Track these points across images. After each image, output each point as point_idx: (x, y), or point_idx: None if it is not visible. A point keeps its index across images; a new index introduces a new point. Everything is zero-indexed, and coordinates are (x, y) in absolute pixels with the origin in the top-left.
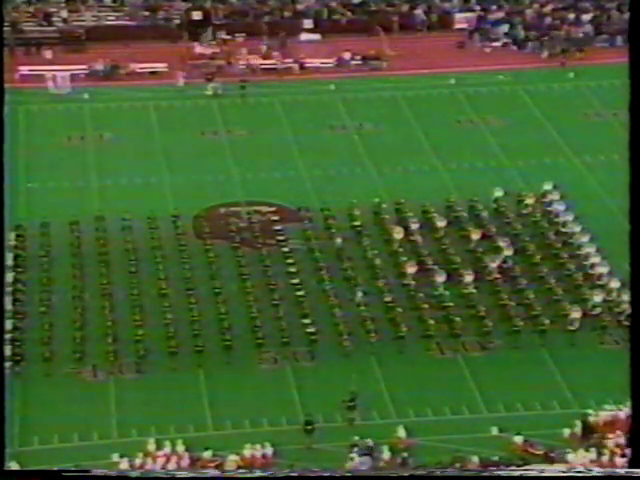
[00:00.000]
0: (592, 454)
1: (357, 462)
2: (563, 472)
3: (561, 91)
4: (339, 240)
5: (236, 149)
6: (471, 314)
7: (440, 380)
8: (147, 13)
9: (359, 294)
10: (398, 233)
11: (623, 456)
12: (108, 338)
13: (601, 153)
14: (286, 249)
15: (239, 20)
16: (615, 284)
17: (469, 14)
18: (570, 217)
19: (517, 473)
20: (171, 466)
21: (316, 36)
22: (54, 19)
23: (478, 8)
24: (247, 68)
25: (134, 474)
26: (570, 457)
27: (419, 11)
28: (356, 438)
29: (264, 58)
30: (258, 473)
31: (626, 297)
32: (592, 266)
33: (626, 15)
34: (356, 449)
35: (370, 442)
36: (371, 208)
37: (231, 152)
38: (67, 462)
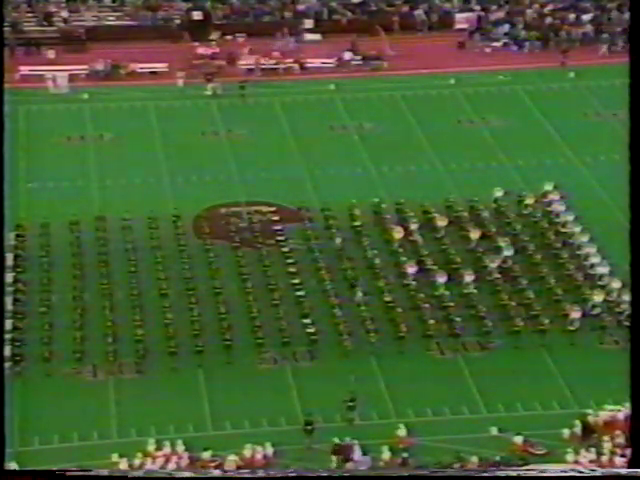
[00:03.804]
0: (592, 454)
1: (357, 462)
2: (564, 472)
3: (561, 91)
4: (339, 240)
5: (236, 149)
6: (471, 314)
7: (440, 380)
8: (147, 13)
9: (359, 294)
10: (398, 233)
11: (623, 456)
12: (108, 338)
13: (601, 153)
14: (286, 249)
15: (239, 20)
16: (615, 284)
17: (469, 14)
18: (570, 217)
19: (517, 473)
20: (171, 466)
21: (316, 36)
22: (54, 19)
23: (478, 8)
24: (251, 67)
25: (136, 474)
26: (570, 457)
27: (419, 11)
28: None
29: (265, 58)
30: (258, 473)
31: (626, 297)
32: (592, 266)
33: (626, 15)
34: (356, 448)
35: (336, 440)
36: (371, 208)
37: (231, 152)
38: (67, 462)
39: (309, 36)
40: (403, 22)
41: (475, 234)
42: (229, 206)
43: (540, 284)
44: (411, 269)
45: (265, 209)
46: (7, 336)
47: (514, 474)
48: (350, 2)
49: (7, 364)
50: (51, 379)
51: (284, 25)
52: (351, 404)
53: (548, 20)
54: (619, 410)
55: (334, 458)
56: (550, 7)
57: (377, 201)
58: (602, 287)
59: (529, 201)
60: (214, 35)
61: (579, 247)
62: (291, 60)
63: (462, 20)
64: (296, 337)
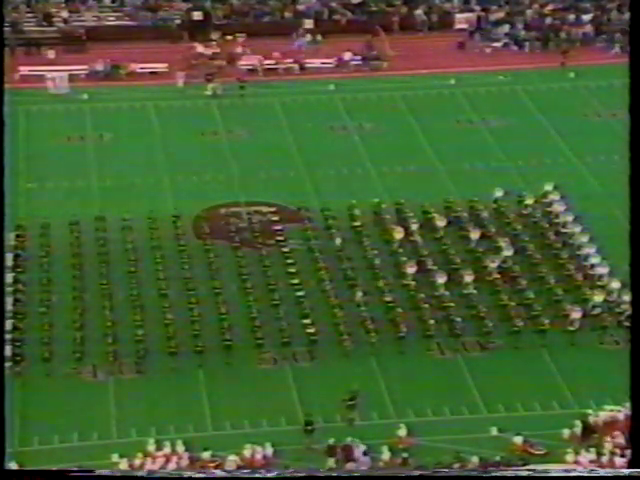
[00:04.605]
0: (592, 454)
1: (358, 462)
2: (564, 472)
3: (561, 91)
4: (339, 240)
5: (236, 149)
6: (471, 314)
7: (440, 380)
8: (147, 13)
9: (359, 294)
10: (398, 233)
11: (623, 456)
12: (108, 338)
13: (601, 153)
14: (286, 249)
15: (239, 20)
16: (615, 284)
17: (469, 14)
18: (570, 217)
19: (517, 473)
20: (171, 466)
21: (316, 36)
22: (54, 19)
23: (478, 8)
24: (251, 67)
25: (137, 474)
26: (570, 457)
27: (419, 11)
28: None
29: (264, 58)
30: (259, 473)
31: (626, 298)
32: (592, 266)
33: (626, 15)
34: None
35: (331, 441)
36: (371, 208)
37: (231, 152)
38: (67, 462)
39: (309, 36)
40: (403, 22)
41: (475, 234)
42: (229, 206)
43: (540, 284)
44: (411, 269)
45: (265, 209)
46: (7, 336)
47: (514, 474)
48: (350, 2)
49: (7, 364)
50: (51, 379)
51: (285, 25)
52: (351, 403)
53: (548, 20)
54: (619, 410)
55: (330, 460)
56: (550, 7)
57: (377, 201)
58: (602, 287)
59: (529, 201)
60: (214, 35)
61: (579, 247)
62: (291, 60)
63: (462, 20)
64: (296, 337)
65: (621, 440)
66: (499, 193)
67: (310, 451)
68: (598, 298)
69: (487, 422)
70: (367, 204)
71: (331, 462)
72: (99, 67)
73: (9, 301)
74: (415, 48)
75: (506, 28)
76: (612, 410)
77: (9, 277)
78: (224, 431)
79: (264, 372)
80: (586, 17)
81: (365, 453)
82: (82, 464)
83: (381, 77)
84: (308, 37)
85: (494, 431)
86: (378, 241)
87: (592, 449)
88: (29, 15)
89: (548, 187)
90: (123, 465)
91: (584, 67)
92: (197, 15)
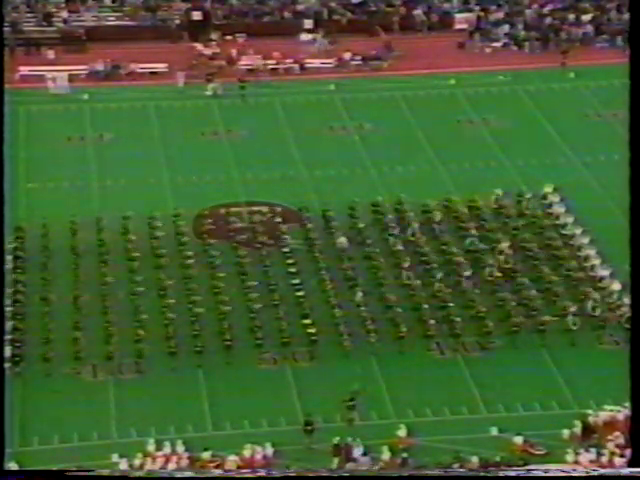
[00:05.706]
0: (592, 454)
1: (357, 462)
2: (564, 472)
3: (561, 91)
4: (343, 239)
5: (236, 149)
6: (471, 314)
7: (440, 380)
8: (147, 13)
9: (359, 294)
10: (397, 233)
11: (622, 456)
12: (108, 338)
13: (601, 153)
14: (286, 249)
15: (239, 20)
16: (615, 285)
17: (469, 14)
18: (570, 219)
19: (517, 473)
20: (171, 466)
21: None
22: (54, 19)
23: (478, 8)
24: (251, 67)
25: (137, 474)
26: (570, 457)
27: (419, 11)
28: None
29: (264, 58)
30: (258, 473)
31: (626, 299)
32: (592, 267)
33: (626, 15)
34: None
35: (335, 440)
36: (371, 208)
37: (231, 152)
38: (67, 462)
39: (309, 36)
40: (403, 22)
41: (475, 234)
42: (229, 206)
43: (540, 284)
44: (410, 269)
45: (265, 209)
46: (7, 337)
47: (514, 474)
48: (350, 2)
49: (7, 364)
50: (51, 379)
51: (285, 25)
52: (351, 404)
53: (548, 20)
54: (619, 410)
55: (335, 460)
56: (550, 7)
57: (377, 201)
58: (602, 288)
59: (529, 202)
60: (214, 35)
61: (579, 248)
62: (291, 60)
63: (462, 20)
64: (296, 337)
65: (621, 440)
66: (499, 193)
67: (310, 451)
68: (598, 298)
69: (487, 422)
70: (367, 204)
71: (335, 461)
72: (99, 67)
73: (9, 302)
74: (415, 48)
75: (506, 28)
76: (612, 410)
77: (9, 278)
78: (224, 431)
79: (264, 372)
80: (586, 17)
81: (365, 453)
82: (82, 464)
83: (381, 77)
84: (327, 38)
85: (494, 431)
86: (378, 241)
87: (592, 449)
88: (29, 15)
89: (548, 189)
90: (123, 465)
91: (584, 67)
92: (197, 15)
